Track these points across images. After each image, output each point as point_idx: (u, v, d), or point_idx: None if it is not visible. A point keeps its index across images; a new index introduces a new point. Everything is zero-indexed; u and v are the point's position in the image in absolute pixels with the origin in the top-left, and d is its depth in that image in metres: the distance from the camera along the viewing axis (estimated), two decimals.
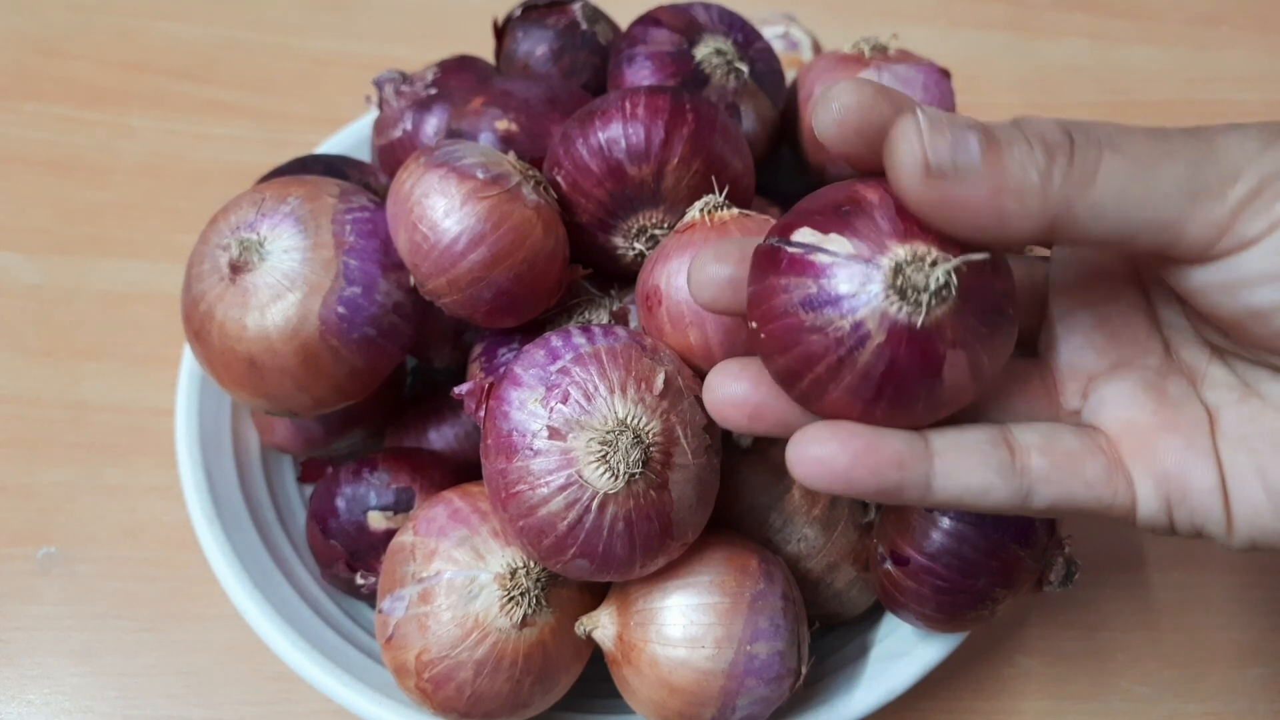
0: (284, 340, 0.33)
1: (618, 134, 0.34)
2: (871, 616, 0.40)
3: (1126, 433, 0.25)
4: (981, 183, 0.21)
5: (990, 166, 0.21)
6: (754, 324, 0.24)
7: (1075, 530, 0.36)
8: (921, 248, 0.22)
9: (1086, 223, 0.22)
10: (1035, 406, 0.26)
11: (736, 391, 0.25)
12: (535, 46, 0.43)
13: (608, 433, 0.29)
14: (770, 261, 0.24)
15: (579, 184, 0.35)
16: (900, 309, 0.22)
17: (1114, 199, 0.22)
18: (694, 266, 0.27)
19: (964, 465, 0.24)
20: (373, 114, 0.46)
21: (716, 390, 0.26)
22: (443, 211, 0.33)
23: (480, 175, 0.33)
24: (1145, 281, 0.27)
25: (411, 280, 0.35)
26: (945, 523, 0.33)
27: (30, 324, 0.52)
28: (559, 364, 0.31)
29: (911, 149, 0.21)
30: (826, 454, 0.23)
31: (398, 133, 0.42)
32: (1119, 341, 0.27)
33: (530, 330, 0.36)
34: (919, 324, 0.22)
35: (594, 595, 0.35)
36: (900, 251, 0.22)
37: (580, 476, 0.29)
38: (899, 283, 0.22)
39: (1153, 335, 0.27)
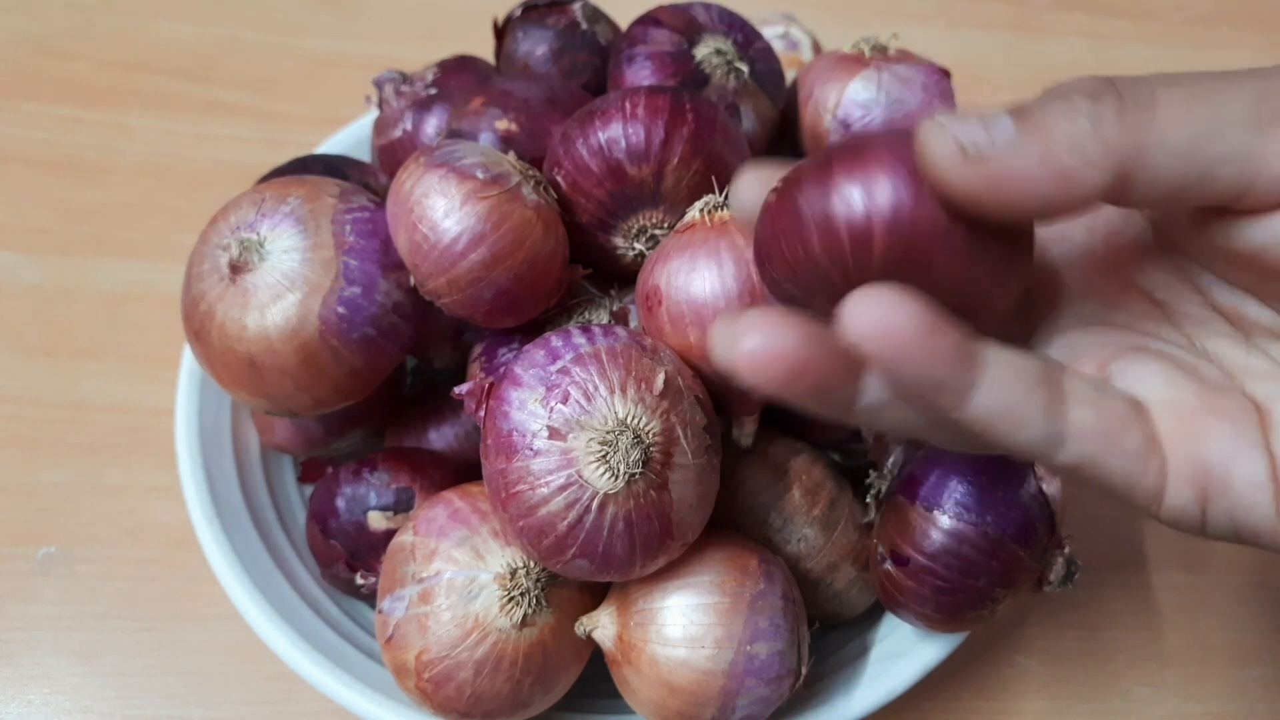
0: (284, 340, 0.33)
1: (618, 134, 0.34)
2: (871, 616, 0.40)
3: (1167, 413, 0.22)
4: (1028, 149, 0.20)
5: (1030, 131, 0.20)
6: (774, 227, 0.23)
7: (1075, 530, 0.36)
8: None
9: (1160, 162, 0.20)
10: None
11: (779, 343, 0.21)
12: (535, 46, 0.43)
13: (608, 433, 0.29)
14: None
15: (579, 184, 0.35)
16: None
17: (1182, 129, 0.20)
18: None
19: (1011, 387, 0.21)
20: (373, 114, 0.46)
21: (746, 341, 0.21)
22: (443, 211, 0.33)
23: (480, 175, 0.33)
24: (1150, 287, 0.26)
25: (411, 280, 0.35)
26: (945, 522, 0.33)
27: (30, 324, 0.52)
28: (559, 364, 0.31)
29: (941, 140, 0.20)
30: (893, 318, 0.20)
31: (398, 133, 0.42)
32: (1132, 335, 0.25)
33: (530, 330, 0.36)
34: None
35: (594, 595, 0.35)
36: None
37: (580, 476, 0.29)
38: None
39: (1169, 329, 0.25)
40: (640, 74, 0.39)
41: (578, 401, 0.30)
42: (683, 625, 0.32)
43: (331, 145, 0.49)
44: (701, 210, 0.34)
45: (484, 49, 0.45)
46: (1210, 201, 0.22)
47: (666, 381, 0.31)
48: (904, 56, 0.42)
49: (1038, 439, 0.21)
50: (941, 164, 0.20)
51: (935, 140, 0.20)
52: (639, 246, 0.37)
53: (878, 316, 0.20)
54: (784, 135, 0.44)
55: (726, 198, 0.34)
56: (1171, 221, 0.25)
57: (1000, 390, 0.21)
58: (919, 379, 0.20)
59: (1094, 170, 0.20)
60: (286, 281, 0.34)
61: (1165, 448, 0.22)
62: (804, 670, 0.33)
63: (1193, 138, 0.20)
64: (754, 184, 0.25)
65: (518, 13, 0.44)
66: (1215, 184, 0.21)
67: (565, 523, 0.30)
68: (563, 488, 0.29)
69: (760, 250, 0.24)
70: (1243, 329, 0.25)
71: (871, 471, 0.37)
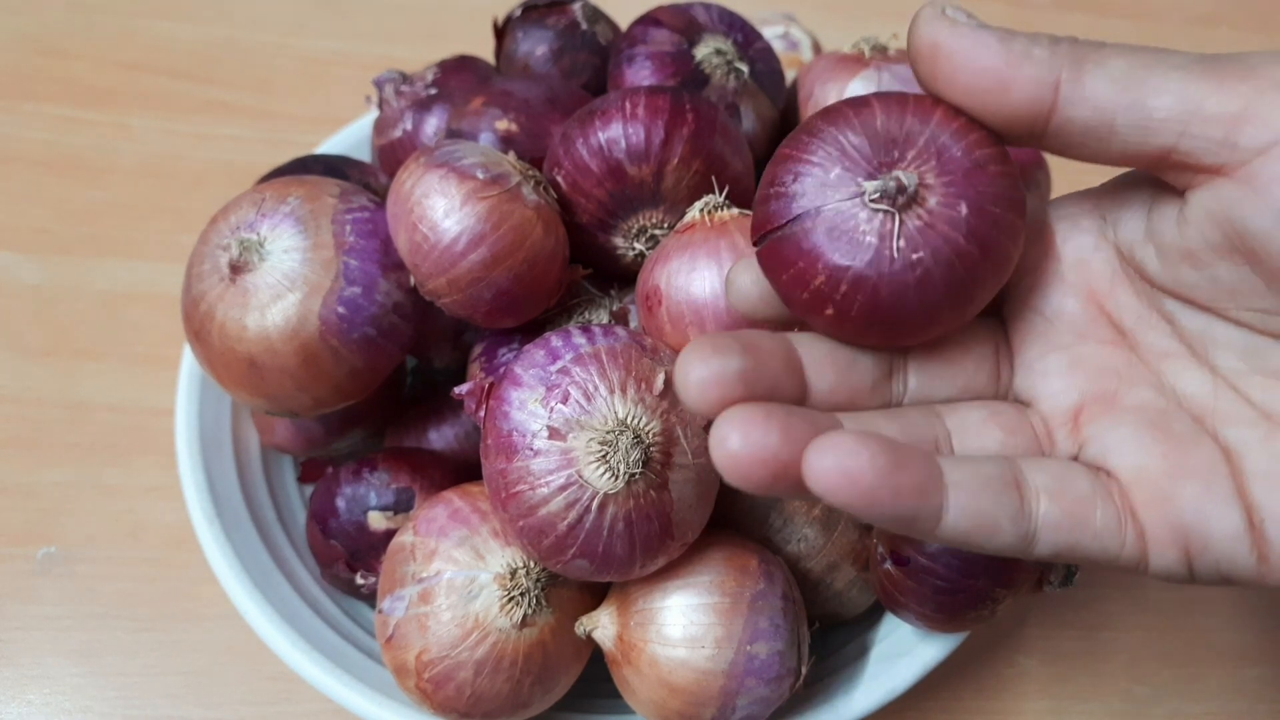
0: (284, 340, 0.33)
1: (618, 134, 0.34)
2: (871, 616, 0.40)
3: (1138, 482, 0.23)
4: (991, 41, 0.23)
5: (1000, 36, 0.23)
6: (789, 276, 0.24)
7: None
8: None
9: (1096, 83, 0.22)
10: (1032, 450, 0.25)
11: (762, 443, 0.21)
12: (535, 46, 0.43)
13: (608, 433, 0.29)
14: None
15: (579, 184, 0.35)
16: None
17: (1120, 60, 0.22)
18: (730, 279, 0.27)
19: (977, 502, 0.22)
20: (373, 114, 0.46)
21: (734, 442, 0.21)
22: (443, 211, 0.33)
23: (480, 175, 0.33)
24: (1119, 318, 0.26)
25: (411, 280, 0.35)
26: None
27: (30, 324, 0.52)
28: (559, 364, 0.31)
29: (932, 7, 0.23)
30: (853, 466, 0.20)
31: (398, 133, 0.42)
32: (1104, 376, 0.25)
33: (530, 330, 0.36)
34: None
35: (594, 595, 0.35)
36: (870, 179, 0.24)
37: (580, 476, 0.29)
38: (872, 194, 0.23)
39: (1137, 367, 0.25)
40: (640, 74, 0.39)
41: (578, 401, 0.30)
42: (683, 625, 0.32)
43: (331, 145, 0.49)
44: (701, 210, 0.34)
45: (484, 49, 0.45)
46: (1146, 151, 0.23)
47: (666, 381, 0.31)
48: (904, 56, 0.42)
49: (1011, 542, 0.22)
50: (924, 22, 0.23)
51: (926, 9, 0.23)
52: (639, 246, 0.37)
53: (837, 465, 0.21)
54: (784, 135, 0.44)
55: (727, 198, 0.34)
56: (1131, 231, 0.26)
57: (969, 507, 0.22)
58: (888, 519, 0.21)
59: (1032, 82, 0.23)
60: (286, 281, 0.34)
61: (1141, 515, 0.23)
62: (804, 670, 0.33)
63: (1132, 69, 0.22)
64: (750, 279, 0.27)
65: (518, 13, 0.44)
66: (1151, 118, 0.22)
67: (565, 523, 0.30)
68: (563, 488, 0.29)
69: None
70: (1208, 361, 0.25)
71: None
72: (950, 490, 0.22)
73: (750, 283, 0.27)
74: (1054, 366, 0.26)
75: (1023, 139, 0.24)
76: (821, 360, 0.25)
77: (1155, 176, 0.24)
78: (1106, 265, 0.26)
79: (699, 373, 0.23)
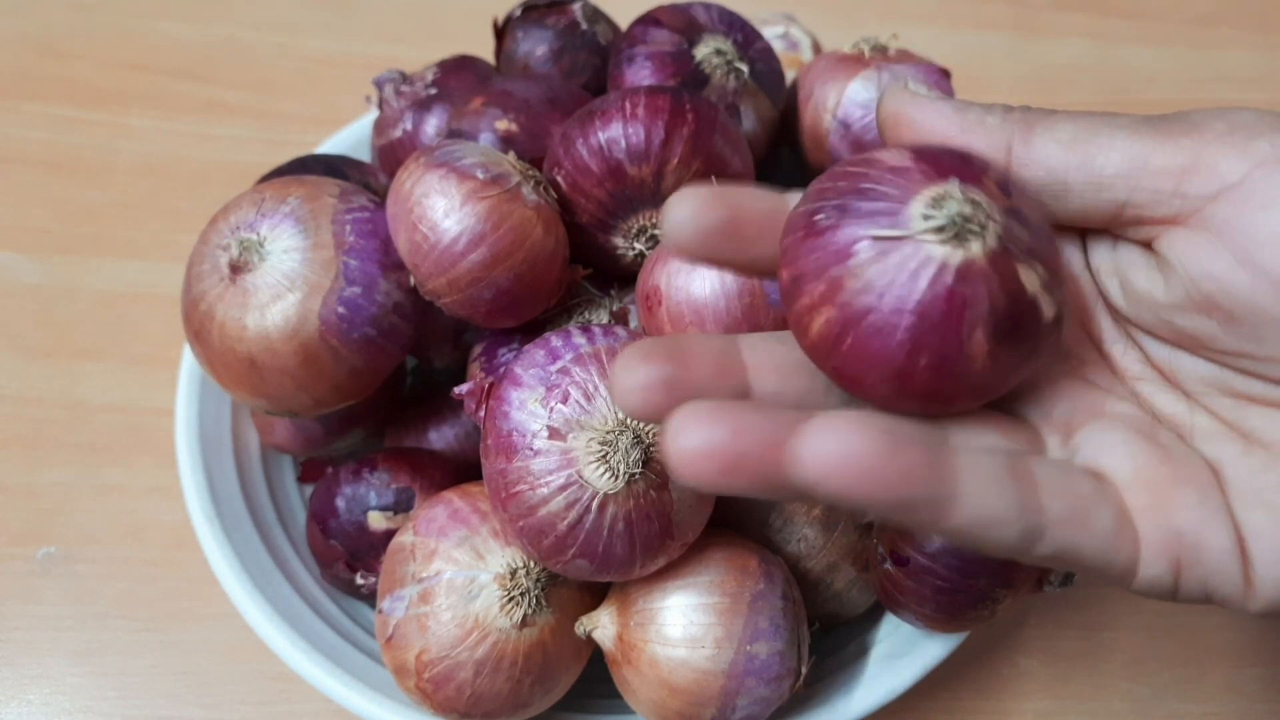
0: (284, 340, 0.33)
1: (618, 134, 0.34)
2: (871, 616, 0.40)
3: (1135, 485, 0.22)
4: (947, 110, 0.25)
5: (956, 106, 0.25)
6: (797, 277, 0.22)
7: None
8: (940, 188, 0.21)
9: (1045, 145, 0.24)
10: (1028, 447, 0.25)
11: (707, 438, 0.20)
12: (535, 46, 0.43)
13: (608, 433, 0.29)
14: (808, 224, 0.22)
15: (579, 184, 0.35)
16: (954, 247, 0.20)
17: (1071, 125, 0.24)
18: (675, 211, 0.24)
19: (990, 492, 0.20)
20: (373, 114, 0.46)
21: (682, 438, 0.20)
22: (443, 211, 0.33)
23: (480, 175, 0.33)
24: (1100, 337, 0.26)
25: (411, 280, 0.35)
26: None
27: (30, 324, 0.52)
28: (559, 364, 0.31)
29: (896, 82, 0.26)
30: (845, 450, 0.19)
31: (398, 133, 0.42)
32: (1090, 390, 0.25)
33: (530, 330, 0.36)
34: (976, 255, 0.20)
35: (594, 595, 0.35)
36: (930, 193, 0.21)
37: (580, 476, 0.29)
38: (943, 226, 0.21)
39: (1119, 386, 0.25)
40: (640, 74, 0.39)
41: (578, 401, 0.30)
42: (683, 625, 0.32)
43: (331, 145, 0.49)
44: None
45: (484, 49, 0.45)
46: (1100, 208, 0.24)
47: None
48: (904, 56, 0.42)
49: (1016, 537, 0.21)
50: (888, 97, 0.26)
51: (890, 86, 0.26)
52: (639, 246, 0.37)
53: (834, 449, 0.19)
54: (784, 135, 0.44)
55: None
56: (1100, 264, 0.26)
57: (981, 497, 0.20)
58: (891, 504, 0.19)
59: (987, 131, 0.25)
60: (286, 281, 0.34)
61: (1136, 521, 0.22)
62: (804, 670, 0.33)
63: (1078, 131, 0.24)
64: (689, 210, 0.24)
65: (518, 13, 0.44)
66: (1102, 173, 0.23)
67: (565, 523, 0.30)
68: (563, 488, 0.29)
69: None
70: (1179, 386, 0.25)
71: None
72: (962, 475, 0.20)
73: (689, 216, 0.24)
74: (1043, 378, 0.25)
75: None
76: (765, 364, 0.24)
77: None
78: (1088, 286, 0.26)
79: (623, 381, 0.22)
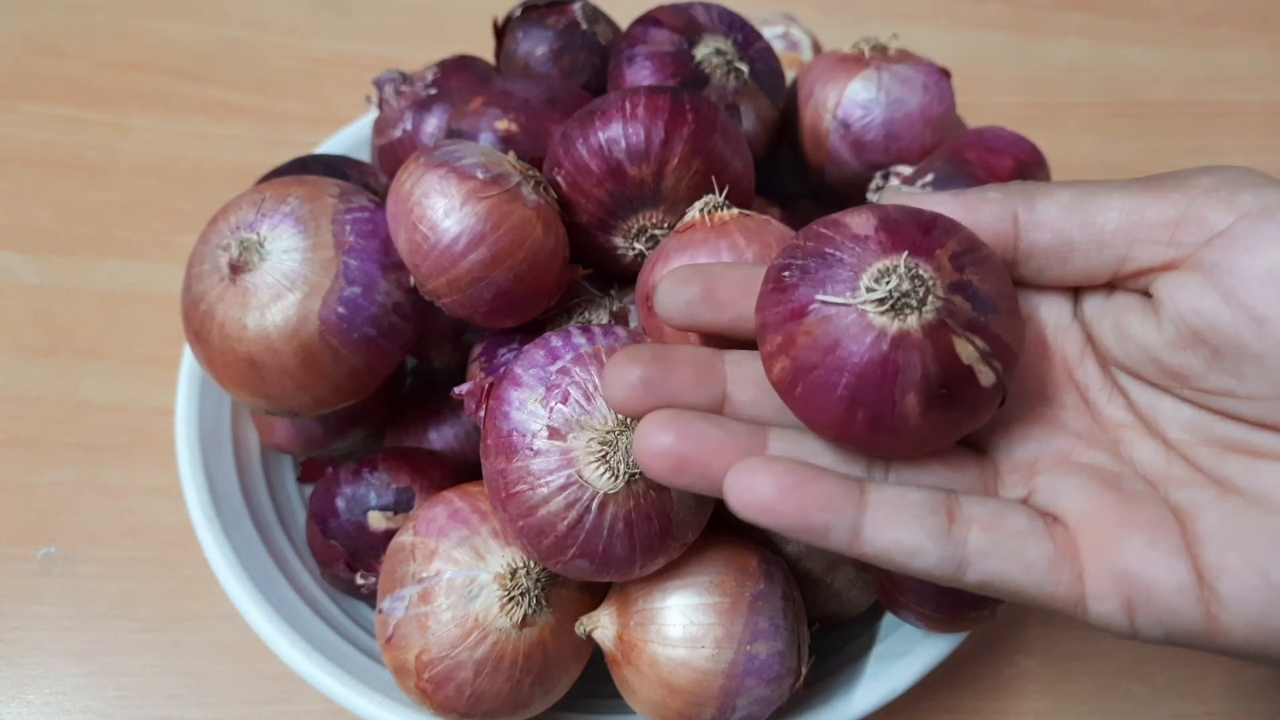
0: (284, 340, 0.33)
1: (618, 134, 0.34)
2: (871, 616, 0.40)
3: (1084, 527, 0.24)
4: (946, 197, 0.27)
5: (954, 192, 0.27)
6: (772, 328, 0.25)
7: None
8: (888, 262, 0.24)
9: (1047, 208, 0.26)
10: (974, 489, 0.26)
11: (664, 442, 0.25)
12: (535, 46, 0.43)
13: (608, 433, 0.29)
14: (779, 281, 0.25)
15: (579, 184, 0.35)
16: (892, 318, 0.23)
17: (1070, 191, 0.26)
18: (661, 289, 0.28)
19: (896, 521, 0.23)
20: (373, 114, 0.46)
21: (645, 438, 0.25)
22: (443, 211, 0.33)
23: (480, 175, 0.33)
24: (1085, 385, 0.28)
25: (411, 280, 0.35)
26: None
27: (30, 324, 0.52)
28: (559, 364, 0.31)
29: (891, 187, 0.28)
30: (756, 485, 0.23)
31: (398, 133, 0.42)
32: (1063, 435, 0.27)
33: (530, 330, 0.36)
34: (911, 326, 0.23)
35: (594, 595, 0.35)
36: (878, 266, 0.24)
37: (580, 476, 0.29)
38: (884, 299, 0.23)
39: (1097, 433, 0.27)
40: (640, 74, 0.39)
41: (578, 401, 0.30)
42: (683, 625, 0.32)
43: (331, 145, 0.49)
44: (701, 210, 0.34)
45: (484, 49, 0.45)
46: (1104, 264, 0.26)
47: None
48: (904, 56, 0.42)
49: (935, 566, 0.23)
50: (889, 199, 0.27)
51: (888, 196, 0.28)
52: (639, 246, 0.37)
53: (746, 486, 0.23)
54: (784, 135, 0.44)
55: (726, 198, 0.34)
56: (1092, 310, 0.28)
57: (887, 525, 0.23)
58: (796, 530, 0.23)
59: (993, 208, 0.26)
60: (286, 281, 0.34)
61: (1084, 559, 0.24)
62: (804, 670, 0.33)
63: (1076, 195, 0.26)
64: (676, 286, 0.29)
65: (518, 13, 0.44)
66: (1104, 231, 0.25)
67: (565, 523, 0.30)
68: (563, 488, 0.29)
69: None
70: (1160, 434, 0.26)
71: None
72: (869, 508, 0.24)
73: (671, 292, 0.28)
74: (1015, 422, 0.27)
75: None
76: (746, 377, 0.27)
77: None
78: (1078, 337, 0.28)
79: (610, 378, 0.27)
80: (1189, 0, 0.70)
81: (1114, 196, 0.26)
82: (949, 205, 0.26)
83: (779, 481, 0.23)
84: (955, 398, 0.24)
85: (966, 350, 0.23)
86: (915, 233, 0.24)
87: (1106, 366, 0.28)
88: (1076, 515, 0.24)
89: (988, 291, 0.24)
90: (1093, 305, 0.28)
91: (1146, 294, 0.26)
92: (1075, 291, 0.28)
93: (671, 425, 0.25)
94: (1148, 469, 0.26)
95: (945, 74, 0.41)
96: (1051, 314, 0.28)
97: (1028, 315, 0.28)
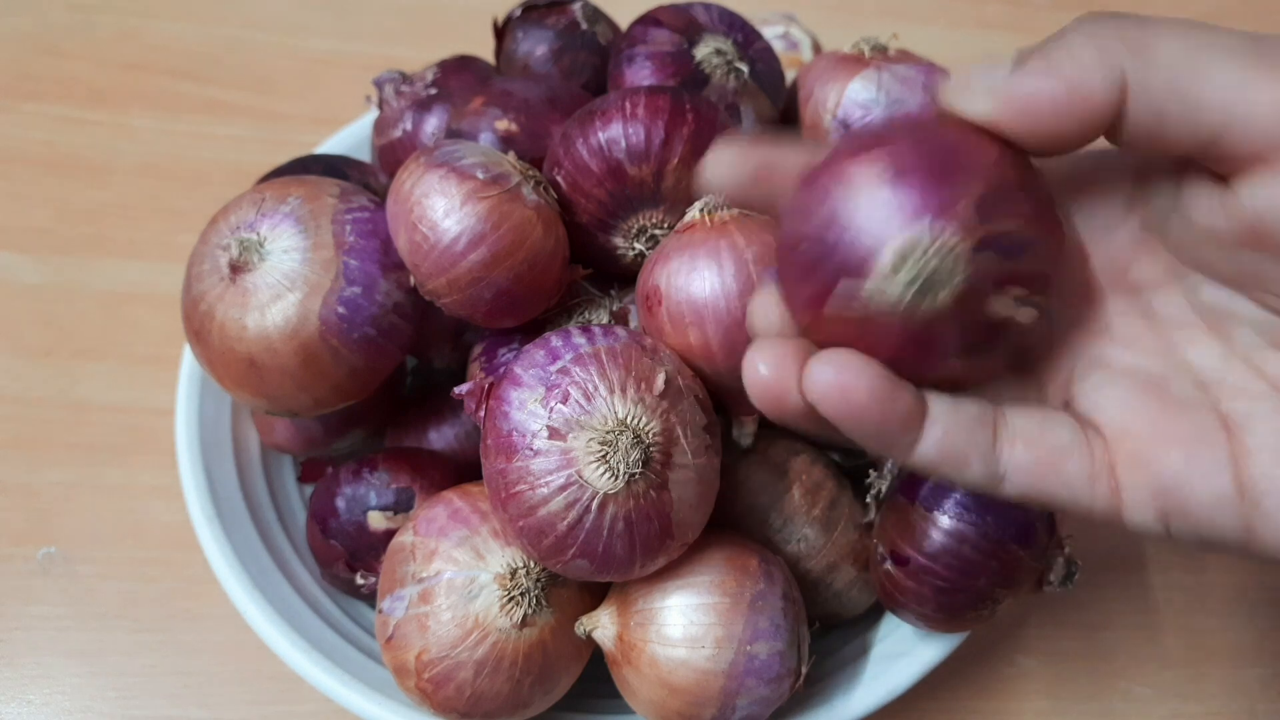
0: (284, 340, 0.33)
1: (618, 134, 0.34)
2: (871, 616, 0.40)
3: (1122, 438, 0.24)
4: (1039, 73, 0.22)
5: (1039, 61, 0.22)
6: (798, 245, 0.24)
7: (1075, 530, 0.36)
8: (912, 235, 0.22)
9: (1152, 79, 0.22)
10: (1017, 397, 0.25)
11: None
12: (535, 46, 0.43)
13: (608, 433, 0.29)
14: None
15: (579, 184, 0.35)
16: (919, 297, 0.22)
17: (1176, 47, 0.22)
18: (710, 167, 0.26)
19: (951, 437, 0.23)
20: (373, 114, 0.46)
21: (749, 371, 0.24)
22: (443, 211, 0.33)
23: (480, 175, 0.33)
24: (1140, 283, 0.26)
25: (411, 280, 0.35)
26: (945, 523, 0.33)
27: (30, 324, 0.52)
28: (559, 364, 0.31)
29: (963, 82, 0.23)
30: (851, 382, 0.22)
31: (398, 133, 0.42)
32: (1107, 338, 0.26)
33: (530, 330, 0.36)
34: (943, 303, 0.22)
35: (594, 595, 0.35)
36: (896, 246, 0.22)
37: (580, 476, 0.29)
38: (909, 283, 0.22)
39: (1148, 335, 0.26)
40: (640, 74, 0.39)
41: (578, 401, 0.30)
42: (683, 625, 0.32)
43: (331, 145, 0.49)
44: (701, 210, 0.34)
45: (484, 49, 0.45)
46: (1193, 140, 0.22)
47: (666, 381, 0.31)
48: (904, 56, 0.42)
49: (980, 477, 0.24)
50: (968, 104, 0.23)
51: (957, 86, 0.23)
52: (639, 246, 0.37)
53: (837, 379, 0.22)
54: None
55: (726, 198, 0.34)
56: (1161, 202, 0.25)
57: (942, 440, 0.23)
58: (872, 438, 0.23)
59: (1105, 84, 0.22)
60: (286, 281, 0.34)
61: (1120, 472, 0.23)
62: (804, 670, 0.33)
63: (1187, 52, 0.22)
64: (726, 163, 0.26)
65: (518, 13, 0.44)
66: (1200, 115, 0.22)
67: (565, 523, 0.30)
68: (563, 488, 0.29)
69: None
70: (1224, 333, 0.25)
71: (871, 471, 0.37)
72: (930, 422, 0.23)
73: (724, 170, 0.26)
74: (1055, 334, 0.26)
75: (1081, 139, 0.23)
76: None
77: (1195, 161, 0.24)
78: (1132, 232, 0.26)
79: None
80: (1188, 1, 0.70)
81: (1220, 65, 0.22)
82: (1045, 85, 0.22)
83: (873, 388, 0.22)
84: (997, 342, 0.23)
85: (1002, 303, 0.23)
86: (933, 182, 0.22)
87: (1170, 262, 0.26)
88: (1115, 426, 0.24)
89: (1019, 229, 0.22)
90: (1161, 193, 0.25)
91: (1225, 180, 0.23)
92: (1137, 181, 0.26)
93: (773, 349, 0.24)
94: (1202, 372, 0.25)
95: (945, 74, 0.41)
96: (1101, 211, 0.26)
97: (1075, 214, 0.26)
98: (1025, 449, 0.24)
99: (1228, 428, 0.23)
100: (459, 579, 0.32)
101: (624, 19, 0.43)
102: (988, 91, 0.22)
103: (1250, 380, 0.24)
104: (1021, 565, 0.34)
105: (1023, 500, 0.24)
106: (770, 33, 0.49)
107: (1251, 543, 0.23)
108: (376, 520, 0.38)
